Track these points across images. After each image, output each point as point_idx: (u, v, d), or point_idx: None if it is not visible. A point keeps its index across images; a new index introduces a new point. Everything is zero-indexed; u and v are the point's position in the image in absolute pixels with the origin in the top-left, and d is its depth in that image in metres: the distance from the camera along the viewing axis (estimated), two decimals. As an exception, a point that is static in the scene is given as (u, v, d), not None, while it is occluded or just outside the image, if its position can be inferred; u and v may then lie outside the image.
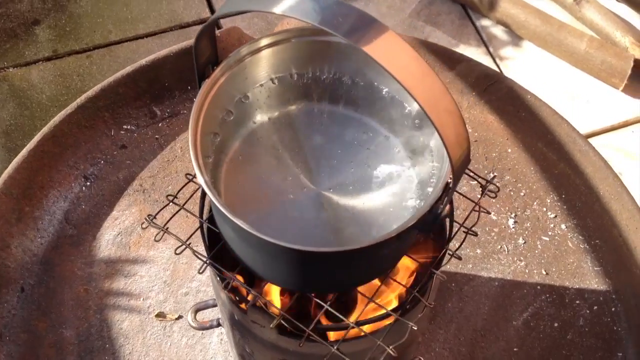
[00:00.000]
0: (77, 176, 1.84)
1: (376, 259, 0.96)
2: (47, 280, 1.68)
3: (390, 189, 1.02)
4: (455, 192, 0.91)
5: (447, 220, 1.12)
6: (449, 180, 0.89)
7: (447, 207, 0.92)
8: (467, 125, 0.83)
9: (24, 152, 1.75)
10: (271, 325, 1.00)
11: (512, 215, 1.83)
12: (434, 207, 0.90)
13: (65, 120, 1.83)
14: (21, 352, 1.57)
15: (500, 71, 2.43)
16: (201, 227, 1.10)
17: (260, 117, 1.08)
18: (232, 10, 0.83)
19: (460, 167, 0.82)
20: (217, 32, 1.75)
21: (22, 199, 1.73)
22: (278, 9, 0.75)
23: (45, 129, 1.80)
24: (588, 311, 1.68)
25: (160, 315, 1.65)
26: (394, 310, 1.01)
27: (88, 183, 1.84)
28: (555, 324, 1.66)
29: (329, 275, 0.97)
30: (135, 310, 1.67)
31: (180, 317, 1.66)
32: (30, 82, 2.34)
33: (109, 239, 1.77)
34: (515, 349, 1.62)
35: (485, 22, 2.62)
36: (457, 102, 0.80)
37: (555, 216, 1.82)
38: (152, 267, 1.73)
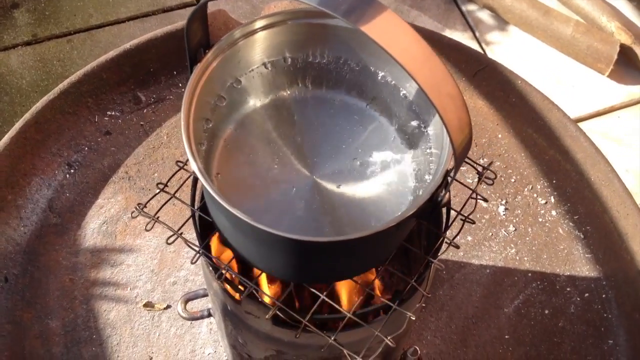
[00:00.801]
0: (61, 163, 1.80)
1: (374, 248, 0.94)
2: (31, 270, 1.65)
3: (388, 176, 1.00)
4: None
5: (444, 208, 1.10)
6: (449, 167, 0.87)
7: (447, 195, 0.90)
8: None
9: (5, 139, 1.71)
10: (267, 316, 0.98)
11: (503, 201, 1.82)
12: (434, 195, 0.88)
13: (48, 106, 1.79)
14: (6, 344, 1.53)
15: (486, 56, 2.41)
16: (193, 216, 1.07)
17: (254, 103, 1.05)
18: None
19: (462, 153, 0.80)
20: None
21: (5, 187, 1.69)
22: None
23: (27, 115, 1.76)
24: (579, 298, 1.67)
25: (148, 305, 1.63)
26: (392, 299, 0.99)
27: (72, 170, 1.80)
28: (546, 311, 1.65)
29: (325, 265, 0.94)
30: (122, 300, 1.63)
31: (168, 306, 1.63)
32: (10, 67, 2.29)
33: (94, 228, 1.73)
34: (506, 336, 1.62)
35: (471, 7, 2.60)
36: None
37: (546, 202, 1.82)
38: (139, 256, 1.70)
